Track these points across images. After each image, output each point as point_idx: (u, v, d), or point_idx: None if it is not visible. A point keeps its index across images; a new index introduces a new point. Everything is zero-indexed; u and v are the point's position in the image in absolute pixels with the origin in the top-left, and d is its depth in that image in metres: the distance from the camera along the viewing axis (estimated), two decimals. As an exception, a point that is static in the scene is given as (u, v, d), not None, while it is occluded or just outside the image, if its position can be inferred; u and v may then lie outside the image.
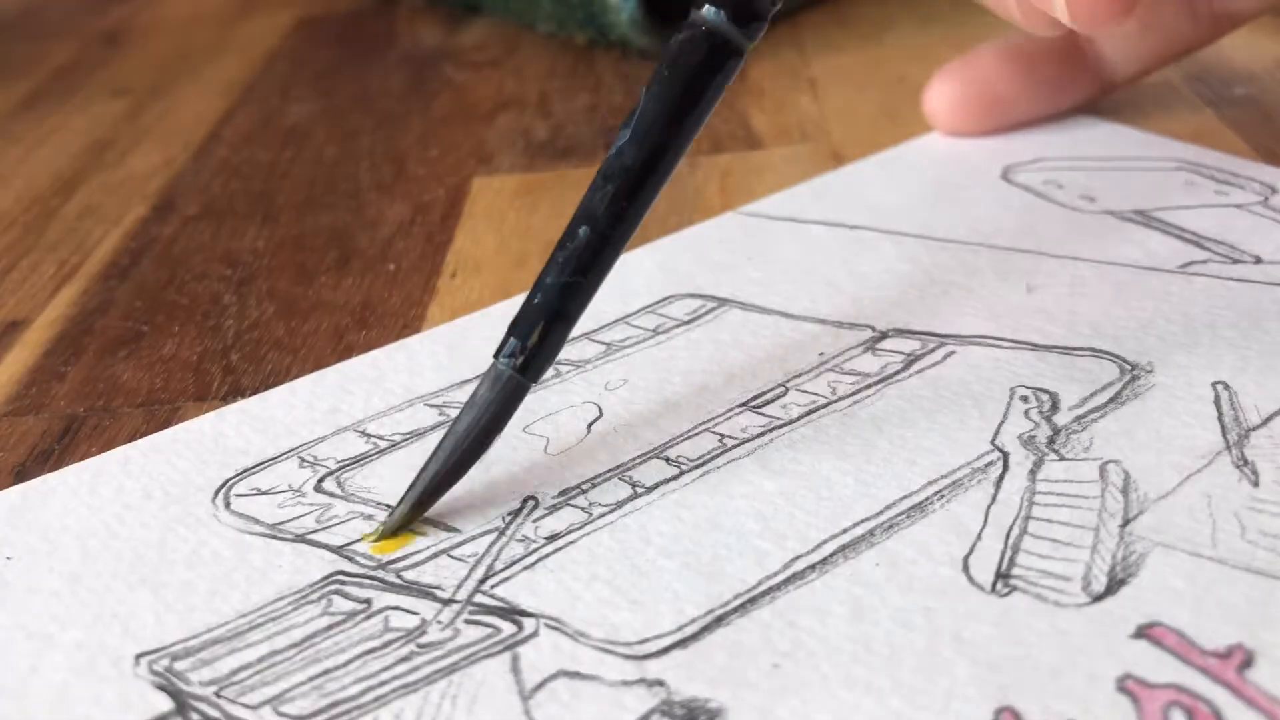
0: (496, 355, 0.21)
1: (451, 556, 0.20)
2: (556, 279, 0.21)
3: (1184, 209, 0.28)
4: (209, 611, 0.20)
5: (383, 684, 0.18)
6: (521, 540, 0.20)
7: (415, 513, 0.21)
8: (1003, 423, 0.22)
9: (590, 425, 0.23)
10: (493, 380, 0.21)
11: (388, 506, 0.22)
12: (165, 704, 0.18)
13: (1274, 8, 0.29)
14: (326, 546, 0.21)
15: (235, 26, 0.56)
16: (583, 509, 0.21)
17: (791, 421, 0.23)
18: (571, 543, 0.20)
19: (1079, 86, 0.31)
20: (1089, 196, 0.29)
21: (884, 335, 0.25)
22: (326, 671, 0.18)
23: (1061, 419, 0.22)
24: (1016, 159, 0.31)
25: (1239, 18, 0.29)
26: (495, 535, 0.21)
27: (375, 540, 0.21)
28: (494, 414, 0.21)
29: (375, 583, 0.20)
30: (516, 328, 0.21)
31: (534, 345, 0.21)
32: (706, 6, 0.21)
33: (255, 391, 0.26)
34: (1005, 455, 0.21)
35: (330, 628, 0.19)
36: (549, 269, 0.21)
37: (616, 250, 0.21)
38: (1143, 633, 0.17)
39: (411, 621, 0.19)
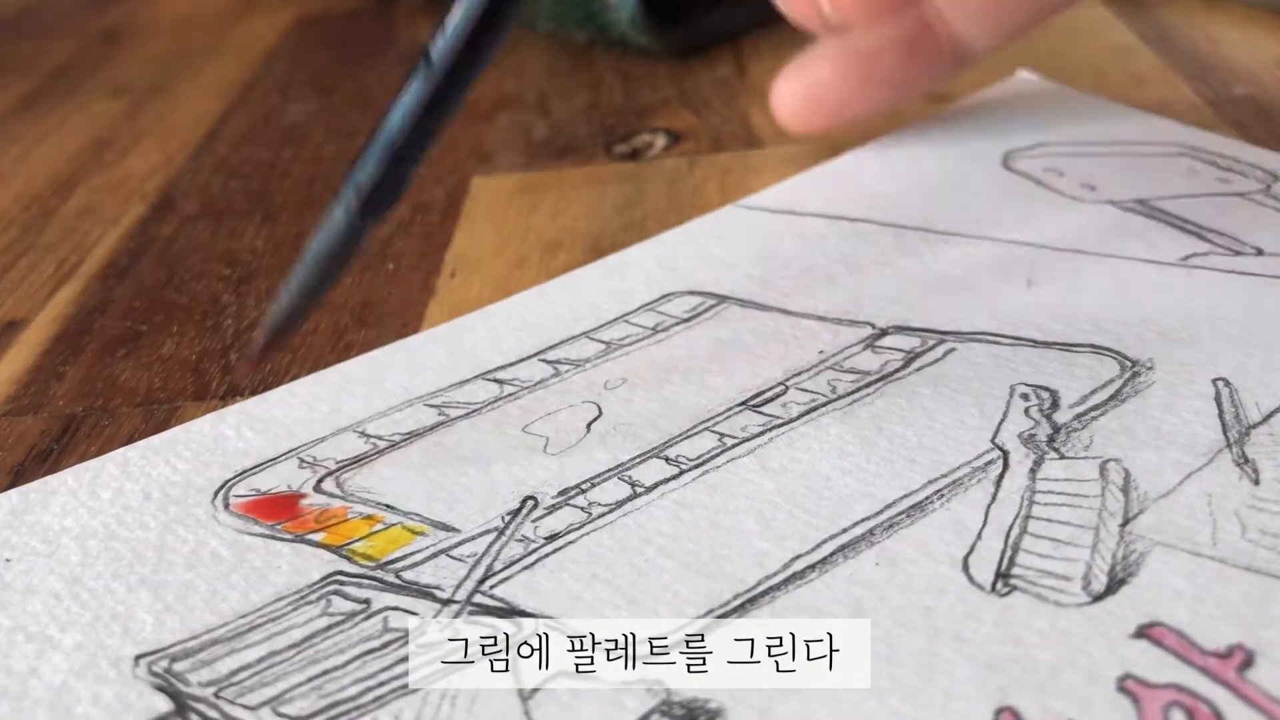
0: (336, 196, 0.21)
1: (450, 556, 0.20)
2: (400, 120, 0.21)
3: (1186, 198, 0.28)
4: (208, 612, 0.20)
5: (382, 684, 0.18)
6: (521, 540, 0.20)
7: (267, 352, 0.23)
8: (1003, 421, 0.22)
9: (589, 424, 0.23)
10: (339, 220, 0.21)
11: (388, 507, 0.22)
12: (165, 705, 0.18)
13: None
14: (325, 546, 0.21)
15: (234, 26, 0.56)
16: (582, 509, 0.21)
17: (791, 420, 0.22)
18: (571, 542, 0.20)
19: (927, 71, 0.30)
20: (1090, 185, 0.29)
21: (884, 332, 0.25)
22: (326, 672, 0.18)
23: (1062, 417, 0.22)
24: (1017, 144, 0.31)
25: None
26: (494, 535, 0.21)
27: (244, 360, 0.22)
28: (334, 253, 0.21)
29: (374, 583, 0.20)
30: (362, 159, 0.21)
31: (377, 185, 0.21)
32: None
33: (254, 391, 0.26)
34: (1005, 454, 0.21)
35: (329, 628, 0.19)
36: (393, 106, 0.21)
37: (458, 95, 0.21)
38: (1143, 632, 0.17)
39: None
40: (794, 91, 0.29)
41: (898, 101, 0.30)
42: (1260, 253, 0.26)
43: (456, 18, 0.20)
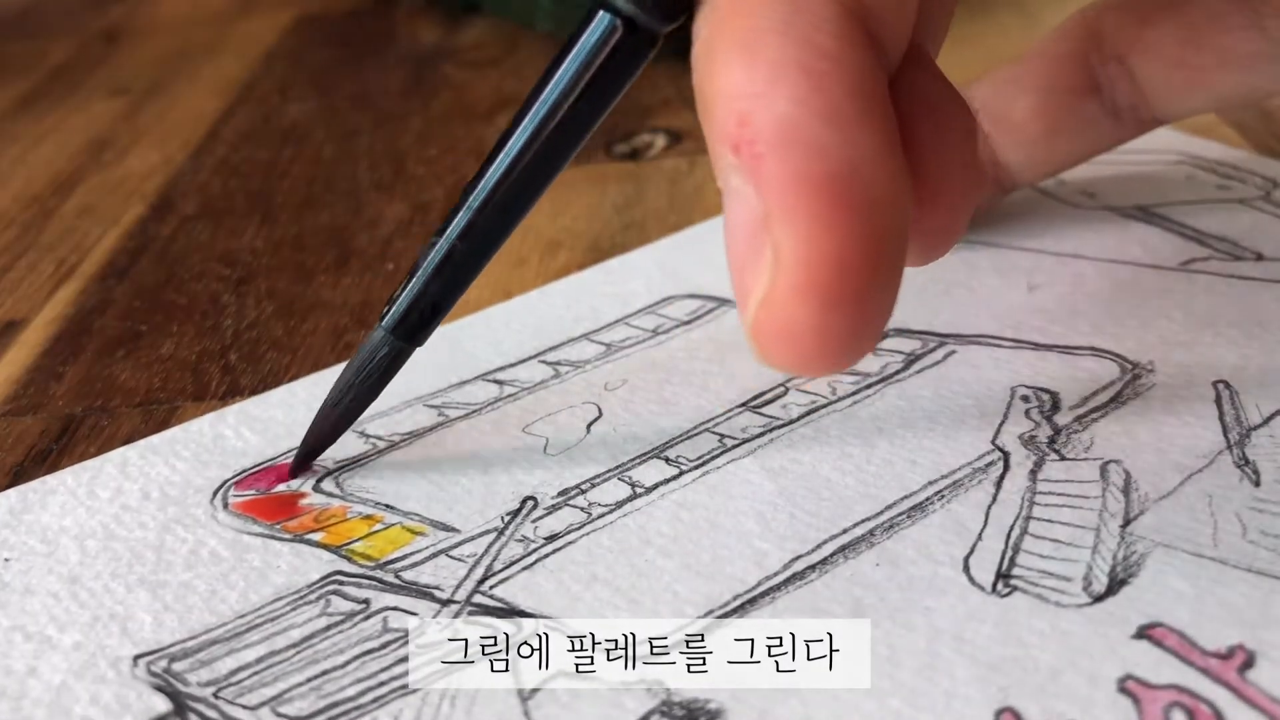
0: (381, 322, 0.21)
1: (450, 557, 0.20)
2: (443, 253, 0.20)
3: (1185, 204, 0.28)
4: (207, 612, 0.20)
5: (381, 685, 0.18)
6: (520, 540, 0.20)
7: (303, 463, 0.23)
8: (1003, 422, 0.22)
9: (590, 425, 0.23)
10: (381, 347, 0.21)
11: (388, 507, 0.22)
12: (164, 705, 0.18)
13: (1208, 110, 0.26)
14: (324, 546, 0.21)
15: (234, 25, 0.56)
16: (582, 509, 0.21)
17: (791, 422, 0.22)
18: (571, 543, 0.20)
19: (978, 198, 0.26)
20: (1089, 192, 0.29)
21: (884, 334, 0.25)
22: (325, 672, 0.18)
23: (1062, 419, 0.22)
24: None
25: (1166, 120, 0.26)
26: (494, 535, 0.21)
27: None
28: (378, 379, 0.22)
29: (374, 583, 0.20)
30: (403, 290, 0.21)
31: (417, 319, 0.21)
32: None
33: (254, 391, 0.26)
34: (1006, 455, 0.21)
35: (329, 628, 0.19)
36: (444, 225, 0.21)
37: (521, 213, 0.21)
38: (1143, 633, 0.17)
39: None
40: None
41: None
42: (1260, 257, 0.26)
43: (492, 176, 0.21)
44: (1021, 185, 0.28)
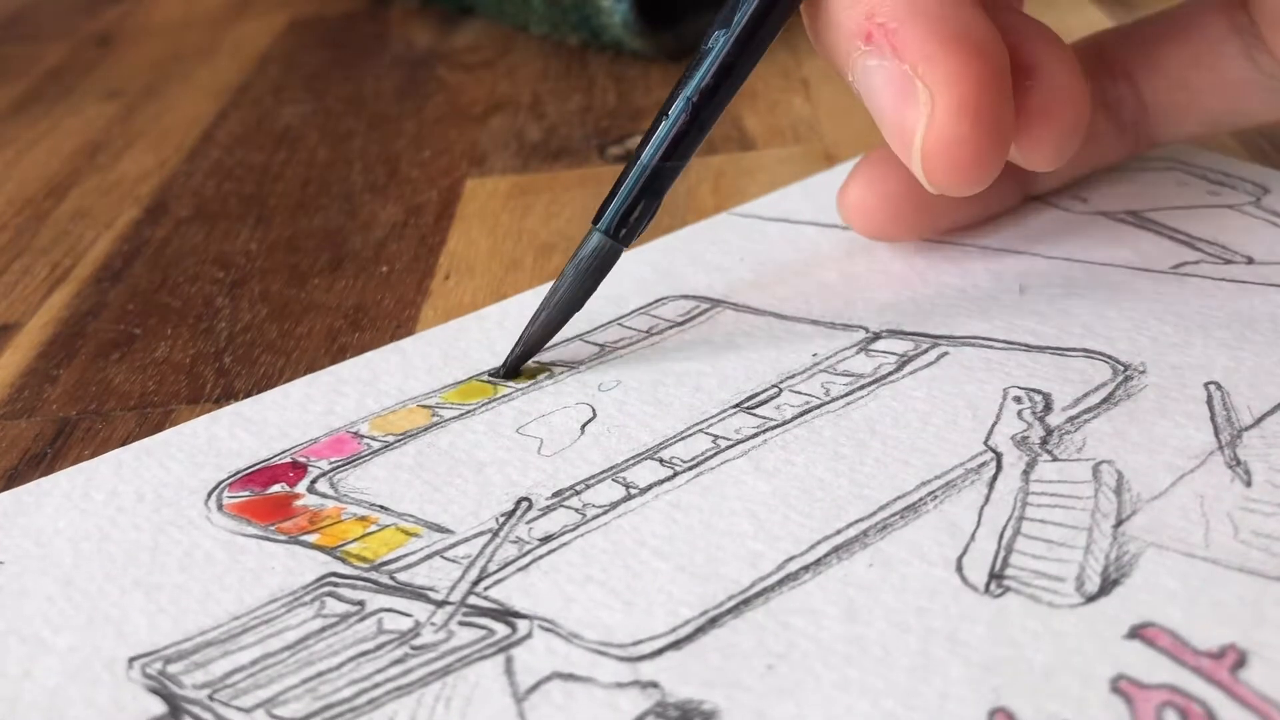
0: (594, 223, 0.24)
1: (445, 558, 0.20)
2: (650, 156, 0.24)
3: (1176, 209, 0.28)
4: (202, 614, 0.20)
5: (376, 686, 0.18)
6: (515, 542, 0.20)
7: (522, 359, 0.25)
8: (996, 423, 0.22)
9: (584, 426, 0.23)
10: (593, 246, 0.24)
11: (382, 508, 0.22)
12: (159, 707, 0.18)
13: (1203, 133, 0.28)
14: (319, 548, 0.21)
15: (228, 28, 0.56)
16: (576, 510, 0.21)
17: (785, 422, 0.23)
18: (565, 544, 0.20)
19: (1003, 197, 0.28)
20: (1081, 197, 0.29)
21: (877, 336, 0.25)
22: (320, 674, 0.18)
23: (1054, 420, 0.22)
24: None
25: (1163, 140, 0.28)
26: (489, 537, 0.21)
27: (493, 375, 0.25)
28: (592, 274, 0.24)
29: (368, 584, 0.20)
30: (612, 200, 0.24)
31: (626, 215, 0.24)
32: None
33: (248, 394, 0.26)
34: (998, 456, 0.21)
35: (323, 630, 0.19)
36: (644, 146, 0.24)
37: (704, 131, 0.24)
38: (1136, 633, 0.17)
39: (405, 623, 0.19)
40: (866, 201, 0.27)
41: (978, 215, 0.28)
42: (1251, 261, 0.26)
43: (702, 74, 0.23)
44: (1041, 194, 0.29)
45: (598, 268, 0.24)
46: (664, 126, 0.23)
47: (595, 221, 0.24)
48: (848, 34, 0.22)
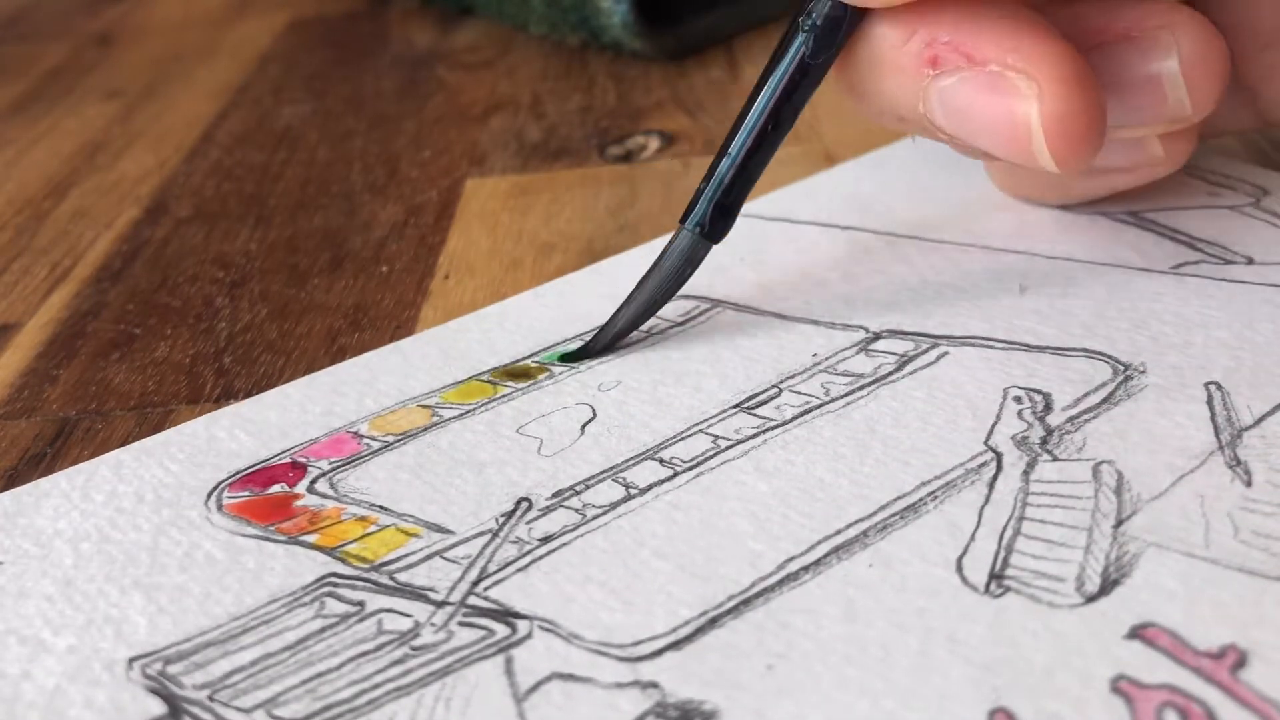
0: (683, 221, 0.25)
1: (445, 558, 0.20)
2: (735, 155, 0.24)
3: (1176, 210, 0.28)
4: (202, 615, 0.20)
5: (376, 687, 0.18)
6: (515, 542, 0.20)
7: (607, 349, 0.26)
8: (996, 423, 0.22)
9: (584, 426, 0.23)
10: (686, 242, 0.25)
11: (382, 508, 0.22)
12: (159, 708, 0.18)
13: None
14: (319, 548, 0.21)
15: (228, 28, 0.56)
16: (576, 510, 0.21)
17: (785, 423, 0.23)
18: (565, 544, 0.20)
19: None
20: (1082, 197, 0.29)
21: (877, 336, 0.25)
22: (320, 674, 0.18)
23: (1055, 420, 0.22)
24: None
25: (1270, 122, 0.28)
26: (489, 537, 0.21)
27: (566, 356, 0.25)
28: (680, 268, 0.25)
29: (368, 585, 0.20)
30: (700, 197, 0.25)
31: (714, 213, 0.25)
32: None
33: (248, 394, 0.26)
34: (999, 456, 0.21)
35: (323, 630, 0.19)
36: (728, 142, 0.24)
37: (785, 129, 0.24)
38: (1136, 633, 0.17)
39: (405, 624, 0.19)
40: (1011, 170, 0.28)
41: (1117, 186, 0.28)
42: (1251, 261, 0.26)
43: (779, 74, 0.24)
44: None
45: (687, 262, 0.25)
46: (749, 121, 0.24)
47: (683, 220, 0.25)
48: (909, 70, 0.23)
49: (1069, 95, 0.21)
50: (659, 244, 0.30)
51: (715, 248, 0.25)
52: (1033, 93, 0.21)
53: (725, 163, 0.24)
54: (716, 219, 0.25)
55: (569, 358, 0.25)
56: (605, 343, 0.25)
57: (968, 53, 0.22)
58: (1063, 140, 0.21)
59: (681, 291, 0.27)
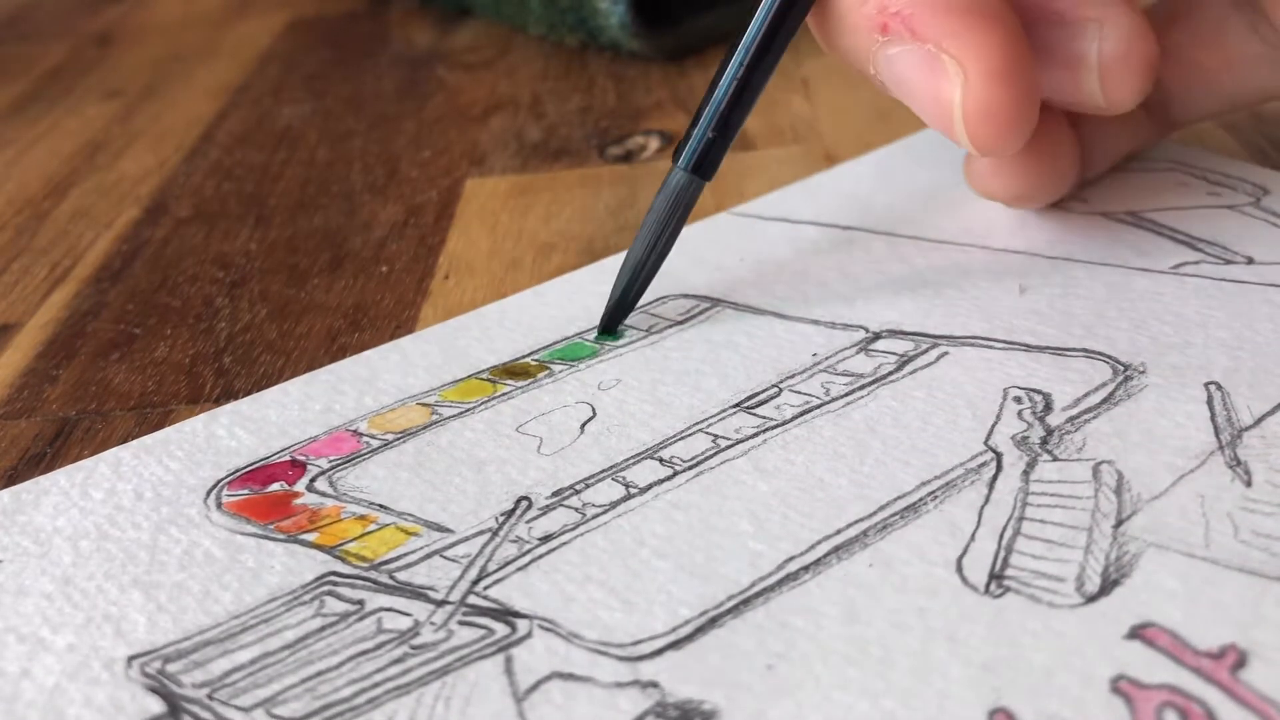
0: (674, 160, 0.25)
1: (444, 557, 0.20)
2: (722, 92, 0.25)
3: (1176, 209, 0.28)
4: (201, 613, 0.20)
5: (376, 686, 0.18)
6: (515, 541, 0.20)
7: (619, 313, 0.26)
8: (996, 423, 0.22)
9: (583, 425, 0.23)
10: (678, 180, 0.25)
11: (381, 507, 0.22)
12: (158, 707, 0.18)
13: (1223, 112, 0.29)
14: (319, 547, 0.21)
15: (227, 28, 0.56)
16: (576, 509, 0.21)
17: (785, 422, 0.23)
18: (565, 543, 0.20)
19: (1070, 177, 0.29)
20: (1081, 197, 0.29)
21: (877, 336, 0.25)
22: (319, 673, 0.18)
23: (1055, 420, 0.22)
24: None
25: (1184, 122, 0.29)
26: (488, 536, 0.21)
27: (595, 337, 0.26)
28: (673, 208, 0.25)
29: (368, 584, 0.20)
30: (689, 136, 0.25)
31: (704, 149, 0.25)
32: None
33: (248, 394, 0.26)
34: (999, 456, 0.21)
35: (323, 629, 0.19)
36: (714, 83, 0.25)
37: (770, 68, 0.25)
38: (1136, 633, 0.17)
39: (404, 623, 0.19)
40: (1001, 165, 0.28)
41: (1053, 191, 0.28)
42: (1251, 261, 0.26)
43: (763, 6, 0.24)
44: (1088, 178, 0.30)
45: (686, 204, 0.25)
46: (733, 64, 0.24)
47: (675, 158, 0.25)
48: (864, 31, 0.23)
49: (990, 87, 0.22)
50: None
51: (713, 248, 0.25)
52: (959, 79, 0.22)
53: (718, 93, 0.25)
54: (706, 155, 0.25)
55: (596, 339, 0.26)
56: (614, 308, 0.26)
57: (913, 27, 0.22)
58: (981, 127, 0.22)
59: (683, 290, 0.27)
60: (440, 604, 0.19)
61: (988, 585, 0.18)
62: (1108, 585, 0.18)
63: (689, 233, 0.30)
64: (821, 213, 0.30)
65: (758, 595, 0.19)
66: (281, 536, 0.21)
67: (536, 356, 0.25)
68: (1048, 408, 0.22)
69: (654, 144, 0.37)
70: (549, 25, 0.46)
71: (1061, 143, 0.27)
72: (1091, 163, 0.29)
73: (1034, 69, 0.23)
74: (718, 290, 0.27)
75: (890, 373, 0.24)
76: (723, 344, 0.25)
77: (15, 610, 0.20)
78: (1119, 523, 0.19)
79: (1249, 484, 0.20)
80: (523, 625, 0.19)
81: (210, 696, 0.18)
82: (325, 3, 0.57)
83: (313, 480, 0.22)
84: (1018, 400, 0.22)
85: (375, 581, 0.20)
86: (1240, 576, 0.18)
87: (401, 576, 0.20)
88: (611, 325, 0.26)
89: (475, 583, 0.20)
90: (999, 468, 0.21)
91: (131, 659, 0.19)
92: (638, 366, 0.25)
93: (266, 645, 0.19)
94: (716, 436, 0.22)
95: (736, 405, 0.23)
